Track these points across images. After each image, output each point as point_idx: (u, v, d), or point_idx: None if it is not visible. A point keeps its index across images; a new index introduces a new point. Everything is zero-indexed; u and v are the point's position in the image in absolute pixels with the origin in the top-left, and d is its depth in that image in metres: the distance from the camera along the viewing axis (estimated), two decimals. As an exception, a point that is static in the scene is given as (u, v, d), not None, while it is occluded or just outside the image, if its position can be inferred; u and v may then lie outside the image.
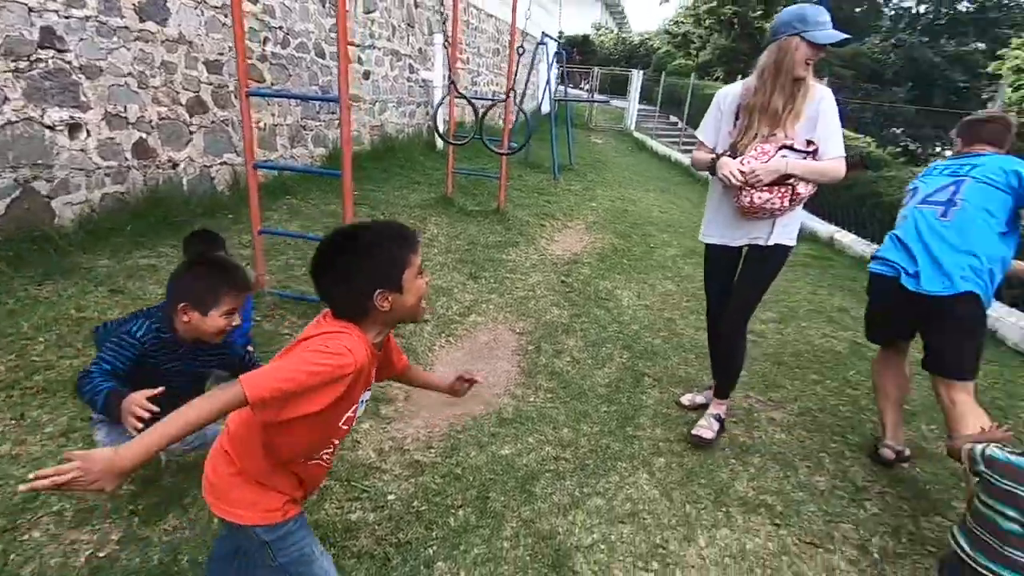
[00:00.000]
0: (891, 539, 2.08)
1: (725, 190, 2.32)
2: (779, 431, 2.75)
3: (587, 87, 20.59)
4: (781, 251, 2.38)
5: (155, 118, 4.13)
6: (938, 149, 21.96)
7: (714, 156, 2.31)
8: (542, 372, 3.05)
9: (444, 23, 5.05)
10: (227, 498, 1.22)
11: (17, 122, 3.25)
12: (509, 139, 5.75)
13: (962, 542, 1.54)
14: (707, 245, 2.55)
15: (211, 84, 4.58)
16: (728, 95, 2.33)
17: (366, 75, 7.07)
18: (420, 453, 2.32)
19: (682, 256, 5.51)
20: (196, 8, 4.35)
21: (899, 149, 16.83)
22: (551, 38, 8.70)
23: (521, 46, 4.52)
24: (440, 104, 5.52)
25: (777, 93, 2.14)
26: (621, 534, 1.99)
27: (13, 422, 2.13)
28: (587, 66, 20.81)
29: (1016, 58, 16.02)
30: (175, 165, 4.37)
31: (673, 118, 17.52)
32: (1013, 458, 1.50)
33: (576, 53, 16.41)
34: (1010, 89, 15.98)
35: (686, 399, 2.88)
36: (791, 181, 2.16)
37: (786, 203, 2.19)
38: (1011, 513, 1.45)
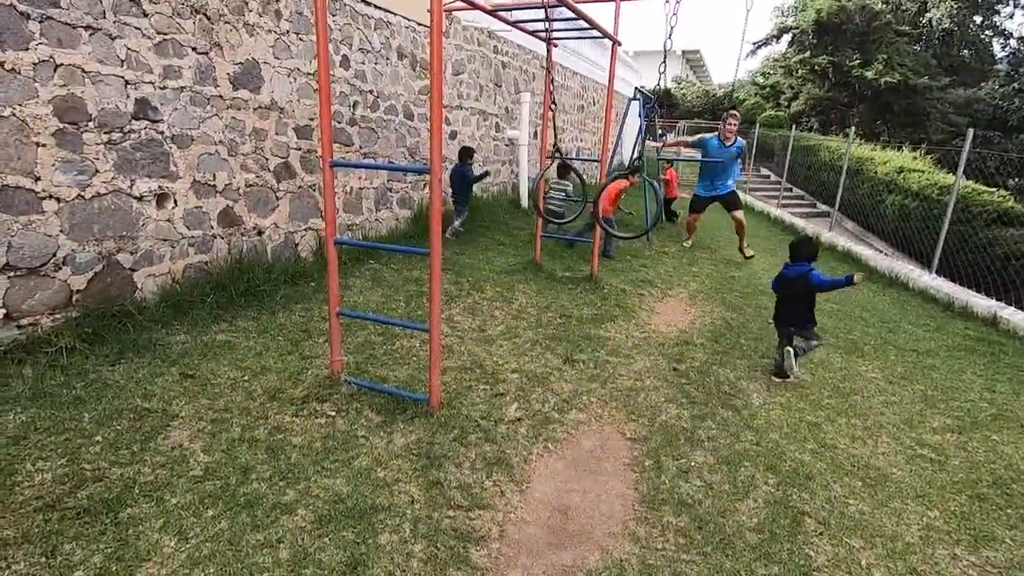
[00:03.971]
0: None
1: None
2: (1021, 623, 1.94)
3: (672, 140, 20.09)
4: None
5: (243, 185, 4.00)
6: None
7: None
8: (668, 501, 2.41)
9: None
10: None
11: (106, 194, 3.14)
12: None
13: None
14: None
15: (300, 149, 4.47)
16: None
17: (452, 135, 6.93)
18: (522, 631, 1.75)
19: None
20: (289, 76, 4.28)
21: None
22: (643, 92, 8.32)
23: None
24: (540, 176, 5.19)
25: None
26: None
27: (43, 559, 1.77)
28: (672, 119, 20.37)
29: None
30: (260, 232, 4.22)
31: (765, 171, 16.59)
32: None
33: (660, 107, 16.03)
34: None
35: None
36: None
37: None
38: None
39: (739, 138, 6.90)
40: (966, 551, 2.28)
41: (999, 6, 22.65)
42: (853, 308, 5.66)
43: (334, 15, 4.77)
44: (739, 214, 6.98)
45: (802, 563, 2.11)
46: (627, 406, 3.20)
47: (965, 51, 23.22)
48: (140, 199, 3.33)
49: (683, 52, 32.85)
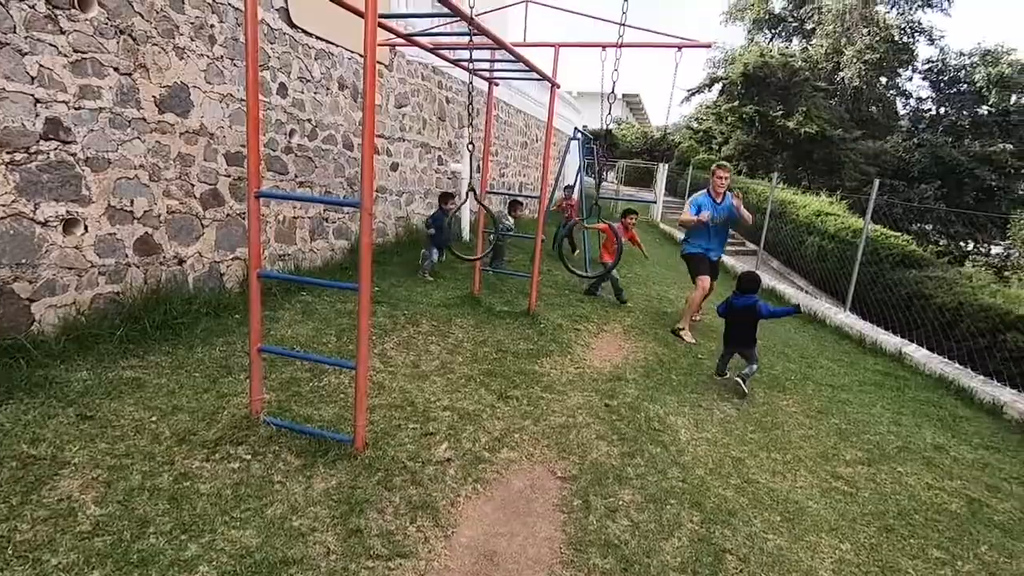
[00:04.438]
0: None
1: None
2: (923, 654, 2.02)
3: (612, 179, 20.88)
4: None
5: (164, 212, 3.81)
6: (970, 246, 21.46)
7: None
8: (595, 543, 2.39)
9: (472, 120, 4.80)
10: None
11: (3, 218, 2.91)
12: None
13: None
14: None
15: (229, 176, 4.32)
16: None
17: (394, 167, 6.91)
18: None
19: (735, 369, 4.89)
20: (221, 101, 4.16)
21: (939, 248, 16.34)
22: (583, 133, 8.62)
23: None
24: (453, 213, 5.23)
25: None
26: None
27: None
28: (613, 159, 21.18)
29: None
30: (181, 261, 4.01)
31: (699, 210, 17.40)
32: None
33: (602, 147, 16.64)
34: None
35: None
36: None
37: None
38: None
39: (730, 195, 5.61)
40: (875, 584, 2.37)
41: (900, 69, 25.15)
42: (776, 343, 5.94)
43: (272, 43, 4.70)
44: (713, 283, 5.82)
45: (723, 603, 2.14)
46: (559, 444, 3.19)
47: (873, 107, 25.54)
48: (44, 224, 3.10)
49: (623, 95, 34.43)
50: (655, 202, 16.68)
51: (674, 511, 2.68)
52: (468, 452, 2.96)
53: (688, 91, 25.88)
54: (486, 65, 5.13)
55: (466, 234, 8.32)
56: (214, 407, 2.95)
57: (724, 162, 5.76)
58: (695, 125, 25.71)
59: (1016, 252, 15.22)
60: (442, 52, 4.63)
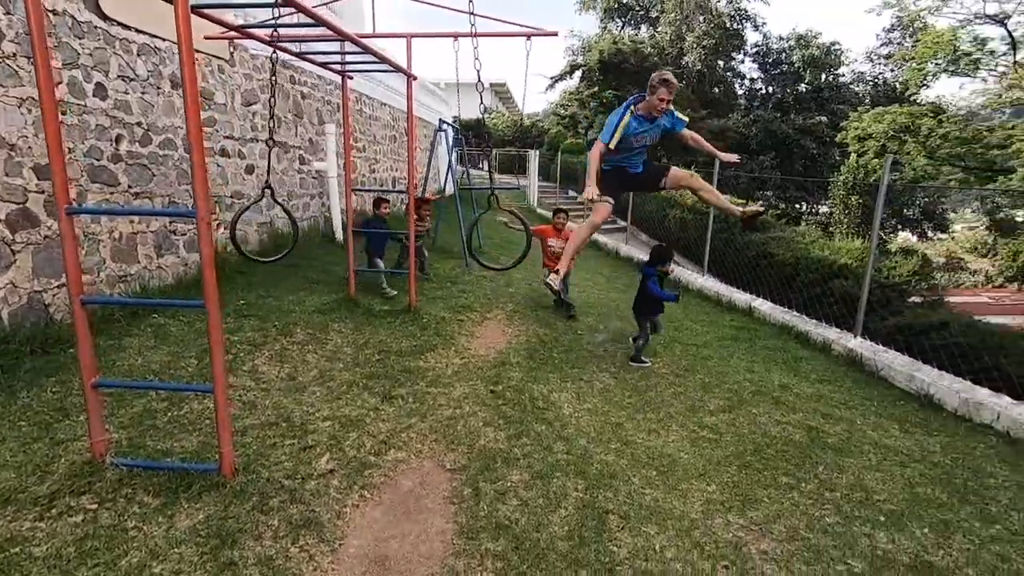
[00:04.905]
0: None
1: None
2: (776, 570, 2.29)
3: (485, 168, 21.07)
4: None
5: (-43, 240, 3.23)
6: (803, 208, 24.49)
7: None
8: (485, 528, 2.43)
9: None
10: None
11: None
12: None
13: None
14: None
15: (43, 192, 3.76)
16: None
17: (250, 170, 6.42)
18: None
19: (611, 340, 5.19)
20: (20, 107, 3.60)
21: (779, 211, 18.43)
22: (451, 125, 8.58)
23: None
24: (241, 212, 5.05)
25: None
26: None
27: None
28: (484, 148, 21.38)
29: (856, 128, 18.48)
30: (-11, 295, 3.43)
31: (572, 192, 18.15)
32: None
33: (473, 136, 16.72)
34: (855, 155, 18.22)
35: None
36: None
37: None
38: None
39: (675, 111, 4.27)
40: (736, 516, 2.65)
41: (734, 53, 27.87)
42: (647, 312, 6.38)
43: (81, 38, 4.13)
44: (681, 173, 4.74)
45: (607, 560, 2.27)
46: (447, 436, 3.19)
47: (716, 88, 28.07)
48: None
49: (491, 84, 34.81)
50: (517, 188, 17.48)
51: (560, 483, 2.79)
52: (353, 460, 2.86)
53: (551, 78, 26.75)
54: (336, 58, 4.91)
55: (339, 233, 7.98)
56: (47, 457, 2.58)
57: (669, 74, 4.08)
58: (561, 111, 26.66)
59: (835, 210, 17.66)
60: (283, 45, 4.35)
